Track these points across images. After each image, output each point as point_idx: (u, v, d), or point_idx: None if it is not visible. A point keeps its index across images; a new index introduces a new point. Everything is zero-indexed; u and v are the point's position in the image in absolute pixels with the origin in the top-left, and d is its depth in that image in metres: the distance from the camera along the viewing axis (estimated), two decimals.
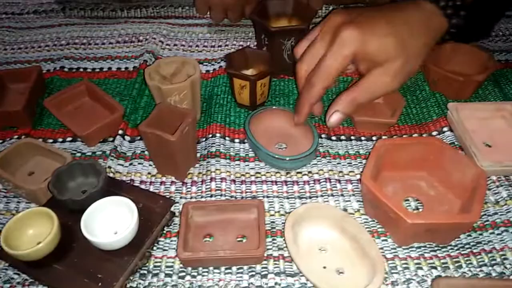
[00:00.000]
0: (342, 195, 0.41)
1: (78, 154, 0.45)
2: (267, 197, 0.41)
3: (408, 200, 0.40)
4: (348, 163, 0.44)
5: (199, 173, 0.43)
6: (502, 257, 0.35)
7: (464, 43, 0.51)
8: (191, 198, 0.41)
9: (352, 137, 0.47)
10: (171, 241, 0.37)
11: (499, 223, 0.38)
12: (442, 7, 0.41)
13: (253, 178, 0.43)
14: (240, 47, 0.57)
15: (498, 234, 0.37)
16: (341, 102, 0.41)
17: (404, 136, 0.46)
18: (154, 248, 0.36)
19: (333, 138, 0.47)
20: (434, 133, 0.46)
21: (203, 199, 0.40)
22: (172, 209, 0.38)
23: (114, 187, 0.37)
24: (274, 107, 0.47)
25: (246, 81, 0.46)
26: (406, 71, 0.40)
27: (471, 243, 0.37)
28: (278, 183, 0.42)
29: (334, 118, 0.41)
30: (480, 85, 0.50)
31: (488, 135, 0.45)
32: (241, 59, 0.49)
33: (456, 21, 0.41)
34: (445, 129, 0.46)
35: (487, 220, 0.38)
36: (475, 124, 0.46)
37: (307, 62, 0.41)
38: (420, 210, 0.39)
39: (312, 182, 0.42)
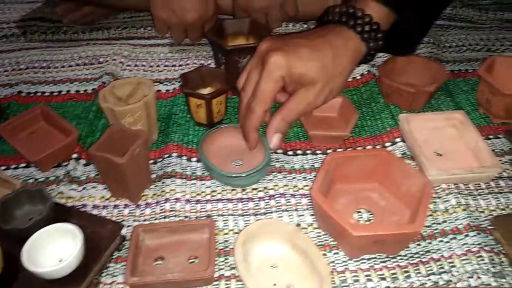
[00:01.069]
0: (296, 209, 0.41)
1: (31, 180, 0.44)
2: (222, 215, 0.41)
3: (360, 211, 0.40)
4: (303, 177, 0.44)
5: (154, 194, 0.43)
6: (450, 264, 0.36)
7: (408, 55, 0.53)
8: (144, 220, 0.41)
9: (308, 151, 0.47)
10: (122, 266, 0.37)
11: (448, 231, 0.38)
12: (359, 32, 0.44)
13: (208, 197, 0.43)
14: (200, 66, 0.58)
15: (446, 242, 0.38)
16: (274, 123, 0.43)
17: (358, 148, 0.47)
18: (103, 274, 0.36)
19: (290, 153, 0.47)
20: (388, 144, 0.47)
21: (157, 221, 0.40)
22: (124, 232, 0.38)
23: (62, 213, 0.36)
24: (226, 125, 0.47)
25: (202, 99, 0.46)
26: (328, 90, 0.44)
27: (420, 252, 0.37)
28: (233, 200, 0.42)
29: (274, 140, 0.44)
30: (432, 95, 0.51)
31: (440, 144, 0.46)
32: (197, 78, 0.49)
33: (373, 44, 0.45)
34: (397, 139, 0.47)
35: (436, 229, 0.39)
36: (427, 133, 0.47)
37: (248, 91, 0.44)
38: (372, 221, 0.39)
39: (267, 198, 0.42)
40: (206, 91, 0.50)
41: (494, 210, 0.40)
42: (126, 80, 0.48)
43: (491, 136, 0.48)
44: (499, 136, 0.48)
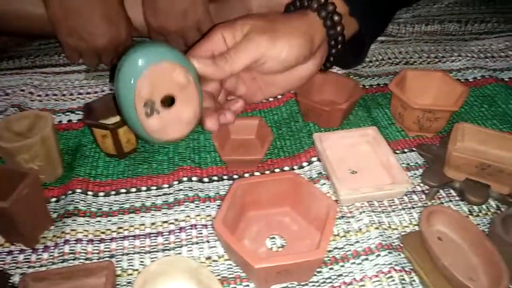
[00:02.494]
0: (208, 241, 0.39)
1: None
2: (127, 254, 0.38)
3: (274, 237, 0.39)
4: (217, 205, 0.42)
5: (54, 236, 0.40)
6: (362, 287, 0.35)
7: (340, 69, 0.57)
8: (41, 266, 0.37)
9: (225, 177, 0.46)
10: None
11: (360, 252, 0.38)
12: (323, 18, 0.46)
13: (114, 235, 0.40)
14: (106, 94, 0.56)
15: (358, 264, 0.37)
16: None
17: (276, 170, 0.46)
18: None
19: (205, 179, 0.45)
20: (305, 163, 0.46)
21: (54, 266, 0.37)
22: (17, 282, 0.35)
23: None
24: None
25: (106, 130, 0.44)
26: (275, 38, 0.44)
27: (333, 276, 0.36)
28: (141, 237, 0.40)
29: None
30: (348, 112, 0.51)
31: (355, 162, 0.45)
32: (102, 107, 0.47)
33: (332, 31, 0.47)
34: (313, 159, 0.46)
35: (349, 250, 0.38)
36: (342, 151, 0.46)
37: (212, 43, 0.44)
38: (285, 247, 0.38)
39: (178, 231, 0.40)
40: (114, 120, 0.47)
41: (407, 226, 0.40)
42: (22, 114, 0.44)
43: (406, 150, 0.48)
44: (414, 149, 0.48)
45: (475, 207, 0.41)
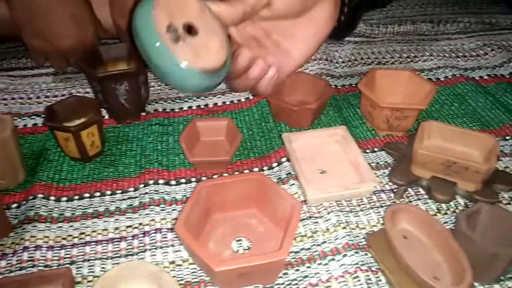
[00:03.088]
0: (172, 245, 0.38)
1: None
2: (88, 260, 0.37)
3: (240, 240, 0.38)
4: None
5: (12, 243, 0.38)
6: None
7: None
8: None
9: (193, 179, 0.45)
10: None
11: (327, 252, 0.37)
12: None
13: (75, 241, 0.39)
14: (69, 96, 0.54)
15: (325, 265, 0.36)
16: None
17: (245, 170, 0.45)
18: None
19: (173, 182, 0.44)
20: (275, 164, 0.46)
21: (12, 274, 0.35)
22: None
23: None
24: None
25: (68, 133, 0.43)
26: None
27: (298, 278, 0.35)
28: (103, 242, 0.39)
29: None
30: (319, 111, 0.51)
31: (324, 162, 0.45)
32: (65, 109, 0.45)
33: None
34: (283, 159, 0.46)
35: (316, 251, 0.37)
36: (312, 151, 0.46)
37: None
38: (250, 249, 0.37)
39: (142, 235, 0.39)
40: (78, 122, 0.46)
41: (375, 225, 0.40)
42: None
43: (376, 149, 0.48)
44: (384, 148, 0.48)
45: (443, 205, 0.41)
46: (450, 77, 0.60)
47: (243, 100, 0.56)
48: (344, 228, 0.39)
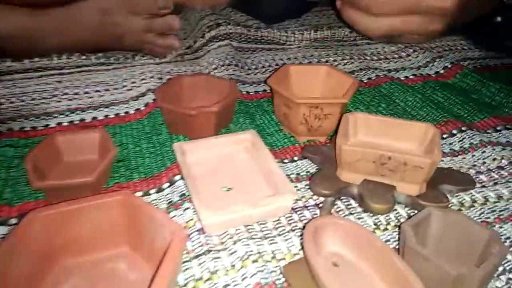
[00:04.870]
0: None
1: None
2: None
3: None
4: None
5: None
6: None
7: None
8: None
9: None
10: None
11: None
12: None
13: None
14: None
15: None
16: None
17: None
18: None
19: (13, 221, 0.31)
20: (166, 185, 0.34)
21: None
22: None
23: None
24: None
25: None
26: None
27: None
28: None
29: None
30: (224, 117, 0.41)
31: (230, 176, 0.34)
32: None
33: None
34: (177, 177, 0.35)
35: None
36: (214, 164, 0.35)
37: None
38: None
39: None
40: None
41: (297, 254, 0.29)
42: None
43: (296, 158, 0.38)
44: (303, 153, 0.38)
45: (382, 218, 0.32)
46: (373, 78, 0.53)
47: (132, 112, 0.45)
48: (255, 261, 0.28)
